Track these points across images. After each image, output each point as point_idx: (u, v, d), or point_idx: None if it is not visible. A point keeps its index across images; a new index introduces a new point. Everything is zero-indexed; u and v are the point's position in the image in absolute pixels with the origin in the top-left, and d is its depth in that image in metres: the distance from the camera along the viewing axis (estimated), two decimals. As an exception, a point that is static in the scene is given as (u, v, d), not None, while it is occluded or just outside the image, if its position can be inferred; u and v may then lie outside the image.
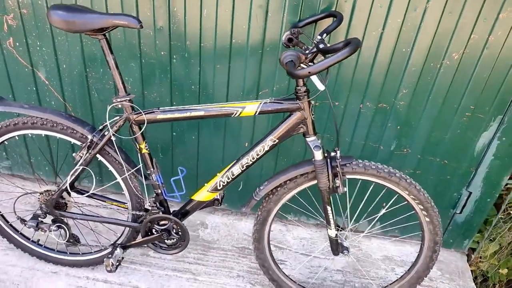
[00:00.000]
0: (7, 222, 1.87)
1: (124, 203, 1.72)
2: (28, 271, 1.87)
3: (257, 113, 1.43)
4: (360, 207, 1.82)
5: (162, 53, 1.78)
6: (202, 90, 1.87)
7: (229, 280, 1.95)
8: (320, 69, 1.08)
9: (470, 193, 2.01)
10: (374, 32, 1.63)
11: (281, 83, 1.81)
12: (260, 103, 1.43)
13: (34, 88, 2.00)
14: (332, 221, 1.59)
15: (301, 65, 1.28)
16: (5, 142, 1.65)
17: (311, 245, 2.22)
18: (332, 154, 1.50)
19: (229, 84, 1.84)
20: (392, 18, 1.59)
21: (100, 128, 1.55)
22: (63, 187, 1.62)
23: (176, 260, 2.03)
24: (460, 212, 2.09)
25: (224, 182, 1.59)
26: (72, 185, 1.68)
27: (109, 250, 1.73)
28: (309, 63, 1.31)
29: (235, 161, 1.57)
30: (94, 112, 2.01)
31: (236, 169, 1.56)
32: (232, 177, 1.57)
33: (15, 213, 1.71)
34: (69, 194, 1.71)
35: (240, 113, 1.44)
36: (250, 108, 1.43)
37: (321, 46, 1.25)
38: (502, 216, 2.22)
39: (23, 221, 1.70)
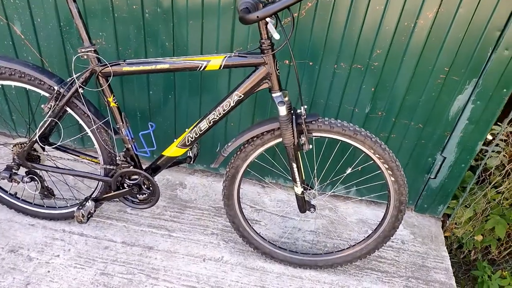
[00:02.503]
0: (-15, 175, 1.91)
1: (96, 157, 1.75)
2: (6, 222, 1.92)
3: (222, 67, 1.43)
4: (326, 166, 1.83)
5: (134, 7, 1.76)
6: (176, 46, 1.86)
7: (203, 237, 2.00)
8: (268, 13, 1.06)
9: (445, 158, 2.01)
10: (347, -13, 1.60)
11: (256, 41, 1.79)
12: (225, 57, 1.42)
13: (11, 43, 2.00)
14: (298, 179, 1.61)
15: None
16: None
17: (287, 207, 2.25)
18: (298, 111, 1.50)
19: (203, 41, 1.83)
20: (365, -26, 1.56)
21: (68, 80, 1.56)
22: (33, 139, 1.64)
23: (152, 217, 2.07)
24: (435, 177, 2.10)
25: (192, 138, 1.61)
26: (45, 138, 1.71)
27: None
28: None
29: (202, 117, 1.57)
30: (70, 67, 2.01)
31: (203, 125, 1.57)
32: (200, 132, 1.58)
33: (-12, 164, 1.75)
34: (42, 148, 1.74)
35: (205, 66, 1.44)
36: (215, 62, 1.43)
37: (282, -4, 1.23)
38: (477, 182, 2.23)
39: (-4, 172, 1.74)
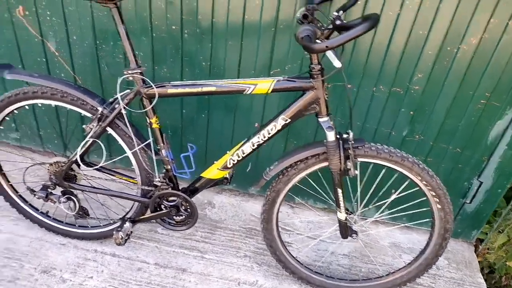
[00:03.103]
0: (17, 192, 1.88)
1: (134, 178, 1.72)
2: (37, 242, 1.89)
3: (270, 90, 1.41)
4: (371, 191, 1.79)
5: (173, 27, 1.76)
6: (213, 67, 1.85)
7: (236, 260, 1.96)
8: (338, 43, 1.05)
9: (481, 182, 1.98)
10: (390, 12, 1.59)
11: (294, 62, 1.78)
12: (274, 80, 1.40)
13: (44, 59, 1.99)
14: (342, 204, 1.58)
15: (317, 41, 1.25)
16: (15, 111, 1.64)
17: (318, 228, 2.22)
18: (345, 136, 1.48)
19: (240, 62, 1.82)
20: (411, -1, 1.55)
21: (110, 100, 1.55)
22: (73, 159, 1.62)
23: (183, 238, 2.03)
24: (470, 202, 2.07)
25: (234, 161, 1.58)
26: (82, 158, 1.69)
27: (118, 224, 1.74)
28: (325, 40, 1.28)
29: (246, 139, 1.55)
30: (104, 86, 2.00)
31: (247, 148, 1.54)
32: (243, 155, 1.56)
33: (24, 183, 1.72)
34: (78, 166, 1.71)
35: (253, 90, 1.42)
36: (263, 85, 1.41)
37: (337, 22, 1.22)
38: (512, 208, 2.19)
39: (32, 191, 1.71)
